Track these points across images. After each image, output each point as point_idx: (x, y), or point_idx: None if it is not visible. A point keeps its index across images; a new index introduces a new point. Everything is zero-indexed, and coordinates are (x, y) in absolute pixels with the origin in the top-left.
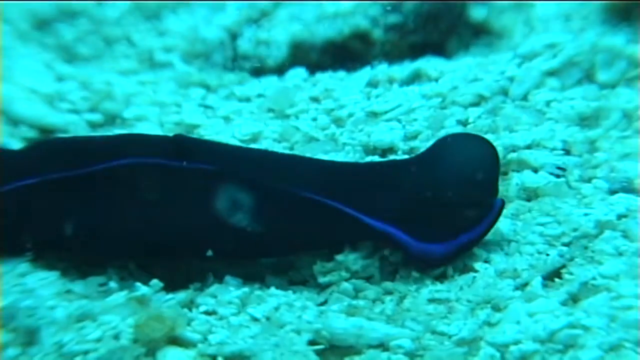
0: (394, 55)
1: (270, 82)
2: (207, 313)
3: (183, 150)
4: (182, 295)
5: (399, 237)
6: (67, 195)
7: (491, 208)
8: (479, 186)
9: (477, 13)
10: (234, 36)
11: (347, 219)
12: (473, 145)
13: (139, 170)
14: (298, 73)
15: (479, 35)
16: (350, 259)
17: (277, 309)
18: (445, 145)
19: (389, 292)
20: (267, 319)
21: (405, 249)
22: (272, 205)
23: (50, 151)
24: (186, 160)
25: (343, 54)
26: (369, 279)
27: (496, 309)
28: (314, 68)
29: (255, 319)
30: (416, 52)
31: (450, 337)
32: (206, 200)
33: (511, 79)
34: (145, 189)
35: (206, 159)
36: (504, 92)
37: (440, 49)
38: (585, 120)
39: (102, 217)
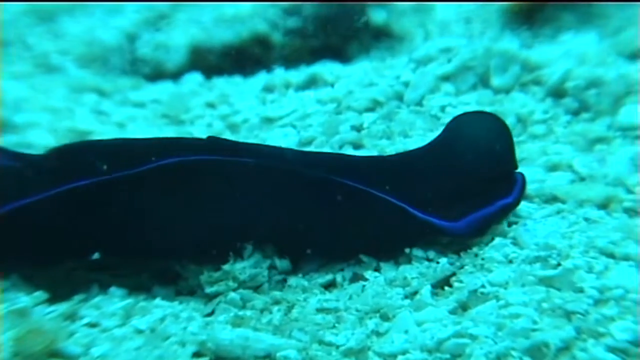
0: (293, 59)
1: (165, 87)
2: (90, 325)
3: (222, 151)
4: (64, 306)
5: (439, 224)
6: (119, 197)
7: (515, 178)
8: (502, 157)
9: (377, 16)
10: (132, 39)
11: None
12: (486, 120)
13: (195, 167)
14: (194, 78)
15: (379, 38)
16: (238, 268)
17: (162, 320)
18: (460, 126)
19: (277, 302)
20: (152, 330)
21: (449, 233)
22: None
23: (83, 155)
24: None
25: (243, 57)
26: (257, 288)
27: (385, 318)
28: (213, 72)
29: (139, 331)
30: (316, 56)
31: (337, 347)
32: (270, 195)
33: (406, 84)
34: (203, 185)
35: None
36: (399, 97)
37: (340, 53)
38: None
39: (156, 217)
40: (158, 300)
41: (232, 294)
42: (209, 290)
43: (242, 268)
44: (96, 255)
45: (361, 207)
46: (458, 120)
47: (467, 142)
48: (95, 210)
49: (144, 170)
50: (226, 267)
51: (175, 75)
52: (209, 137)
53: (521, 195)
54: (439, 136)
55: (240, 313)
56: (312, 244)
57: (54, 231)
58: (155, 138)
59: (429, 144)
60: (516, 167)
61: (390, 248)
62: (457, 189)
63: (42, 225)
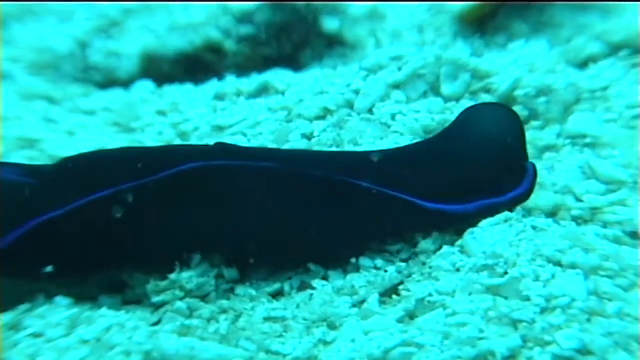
0: (246, 67)
1: (116, 95)
2: (34, 335)
3: (233, 157)
4: (8, 317)
5: (451, 210)
6: (143, 204)
7: (526, 169)
8: (513, 148)
9: (330, 24)
10: (84, 47)
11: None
12: (497, 112)
13: (219, 171)
14: (145, 86)
15: (332, 46)
16: (185, 277)
17: (108, 330)
18: (471, 117)
19: (224, 311)
20: (97, 340)
21: (460, 216)
22: (341, 198)
23: (97, 165)
24: None
25: (196, 65)
26: (204, 297)
27: (332, 327)
28: (166, 79)
29: (84, 341)
30: (270, 63)
31: (284, 356)
32: (290, 197)
33: (357, 92)
34: (226, 190)
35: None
36: (350, 105)
37: (294, 61)
38: (430, 134)
39: (179, 222)
40: (104, 310)
41: (179, 303)
42: (155, 299)
43: (189, 277)
44: (49, 269)
45: (375, 206)
46: (469, 111)
47: (478, 133)
48: (118, 220)
49: (167, 176)
50: (173, 276)
51: (128, 83)
52: (217, 144)
53: (532, 187)
54: (450, 127)
55: (187, 322)
56: (325, 243)
57: (80, 243)
58: (162, 146)
59: (439, 134)
60: (527, 159)
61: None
62: (468, 179)
63: (67, 239)
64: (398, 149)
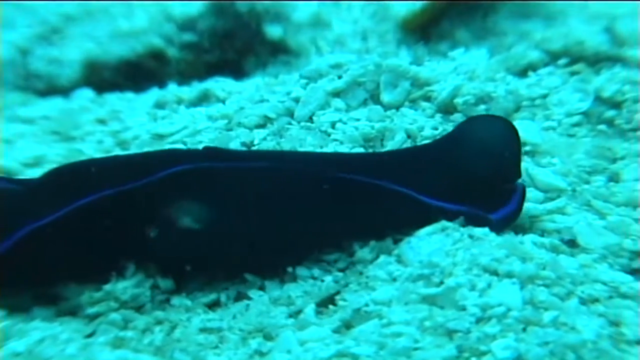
0: (190, 75)
1: (55, 104)
2: None
3: (222, 159)
4: None
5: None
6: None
7: (515, 188)
8: (509, 162)
9: (273, 31)
10: (25, 54)
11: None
12: (497, 124)
13: (211, 173)
14: (84, 94)
15: (276, 54)
16: (119, 288)
17: (40, 342)
18: (471, 126)
19: (159, 322)
20: (29, 352)
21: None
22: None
23: (84, 173)
24: None
25: (138, 72)
26: (139, 308)
27: (268, 337)
28: (108, 87)
29: (16, 354)
30: (213, 71)
31: None
32: (276, 198)
33: (296, 100)
34: (221, 191)
35: None
36: (290, 114)
37: (237, 68)
38: (370, 142)
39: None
40: (37, 322)
41: (113, 315)
42: (90, 310)
43: (123, 288)
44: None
45: (378, 203)
46: (470, 121)
47: (476, 143)
48: (110, 223)
49: (160, 178)
50: (108, 287)
51: (70, 90)
52: (205, 147)
53: (521, 205)
54: (449, 133)
55: (121, 334)
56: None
57: (72, 249)
58: (151, 152)
59: (437, 140)
60: (520, 176)
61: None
62: (458, 187)
63: (59, 245)
64: (389, 152)
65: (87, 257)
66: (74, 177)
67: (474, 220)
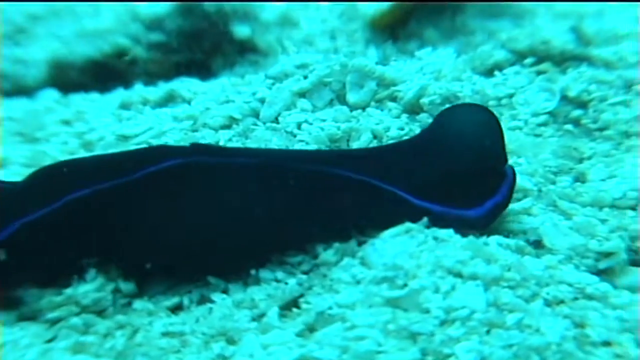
0: (157, 75)
1: (20, 104)
2: None
3: (217, 154)
4: None
5: (436, 210)
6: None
7: (504, 174)
8: (491, 150)
9: (240, 31)
10: None
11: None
12: (477, 113)
13: (194, 169)
14: (49, 94)
15: (244, 53)
16: (80, 292)
17: (0, 347)
18: (449, 118)
19: (121, 327)
20: None
21: (444, 219)
22: (327, 190)
23: (68, 172)
24: None
25: (105, 72)
26: (101, 312)
27: (231, 341)
28: (74, 87)
29: None
30: (181, 71)
31: None
32: (259, 193)
33: (262, 101)
34: (207, 187)
35: None
36: (255, 114)
37: (205, 68)
38: (336, 142)
39: (158, 221)
40: None
41: (74, 319)
42: (51, 315)
43: (85, 292)
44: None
45: (365, 200)
46: (447, 112)
47: (455, 134)
48: (95, 220)
49: (147, 174)
50: (69, 291)
51: (36, 91)
52: (192, 144)
53: (511, 193)
54: (427, 128)
55: (82, 339)
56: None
57: (54, 246)
58: (136, 149)
59: (417, 136)
60: (506, 161)
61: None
62: (444, 182)
63: (43, 241)
64: (379, 147)
65: (74, 254)
66: (64, 173)
67: (457, 221)
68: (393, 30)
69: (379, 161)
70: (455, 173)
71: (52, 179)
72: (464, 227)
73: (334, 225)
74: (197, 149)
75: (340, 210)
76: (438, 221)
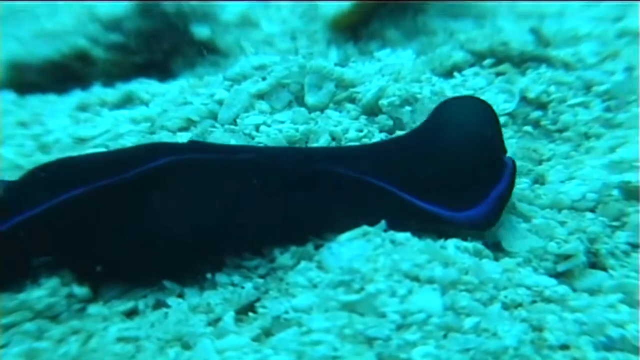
0: (117, 76)
1: None
2: None
3: (215, 151)
4: None
5: (442, 214)
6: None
7: (504, 163)
8: (493, 140)
9: (200, 32)
10: None
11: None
12: (471, 105)
13: (194, 165)
14: (6, 96)
15: (204, 54)
16: (34, 297)
17: None
18: (446, 111)
19: (75, 332)
20: None
21: (453, 223)
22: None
23: (68, 169)
24: None
25: (63, 73)
26: (55, 318)
27: (186, 346)
28: (32, 88)
29: None
30: (140, 72)
31: None
32: (259, 189)
33: (220, 103)
34: (208, 183)
35: None
36: (213, 116)
37: (165, 69)
38: (294, 144)
39: (160, 217)
40: None
41: (27, 325)
42: (4, 321)
43: (38, 297)
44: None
45: (360, 197)
46: (444, 105)
47: (453, 127)
48: (96, 218)
49: (147, 170)
50: (22, 296)
51: None
52: (190, 141)
53: (513, 180)
54: (424, 122)
55: (36, 344)
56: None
57: (54, 243)
58: (134, 146)
59: (414, 130)
60: (505, 152)
61: None
62: (444, 175)
63: (43, 238)
64: (367, 145)
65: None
66: (57, 173)
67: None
68: (354, 30)
69: (379, 158)
70: (458, 166)
71: (48, 178)
72: (471, 229)
73: (333, 224)
74: (194, 146)
75: (338, 209)
76: (446, 224)
